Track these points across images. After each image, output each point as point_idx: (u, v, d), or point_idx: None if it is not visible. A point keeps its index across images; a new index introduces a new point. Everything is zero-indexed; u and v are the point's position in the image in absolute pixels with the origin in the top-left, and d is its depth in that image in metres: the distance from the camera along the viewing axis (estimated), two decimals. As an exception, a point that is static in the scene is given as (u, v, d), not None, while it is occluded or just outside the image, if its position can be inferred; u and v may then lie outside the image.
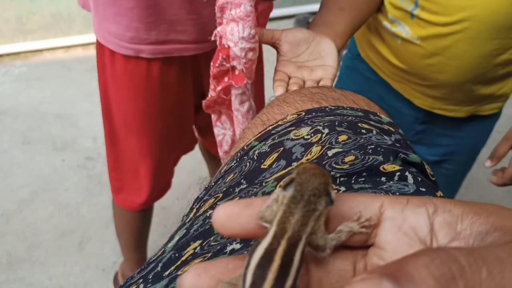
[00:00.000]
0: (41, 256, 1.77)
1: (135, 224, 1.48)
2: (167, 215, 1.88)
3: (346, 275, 0.26)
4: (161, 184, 1.35)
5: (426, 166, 0.45)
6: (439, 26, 0.93)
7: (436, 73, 0.99)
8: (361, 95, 0.53)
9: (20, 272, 1.72)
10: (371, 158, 0.40)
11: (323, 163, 0.40)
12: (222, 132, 1.01)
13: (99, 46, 1.10)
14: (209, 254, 0.37)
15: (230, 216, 0.26)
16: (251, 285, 0.23)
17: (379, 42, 1.08)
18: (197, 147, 1.62)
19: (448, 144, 1.16)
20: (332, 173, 0.39)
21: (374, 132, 0.46)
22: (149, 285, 0.38)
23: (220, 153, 1.06)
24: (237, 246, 0.36)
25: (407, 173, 0.39)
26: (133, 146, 1.21)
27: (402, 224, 0.25)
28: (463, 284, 0.18)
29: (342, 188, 0.38)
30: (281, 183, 0.26)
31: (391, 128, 0.48)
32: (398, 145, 0.45)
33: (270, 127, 0.48)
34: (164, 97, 1.14)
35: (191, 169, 2.06)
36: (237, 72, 0.81)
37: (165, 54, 1.06)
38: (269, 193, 0.40)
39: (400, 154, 0.43)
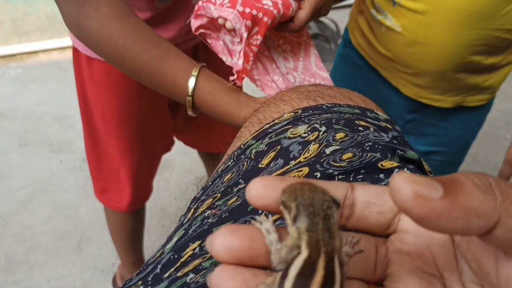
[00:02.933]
0: (39, 258, 1.77)
1: (127, 226, 1.48)
2: (165, 216, 1.88)
3: (370, 255, 0.28)
4: (144, 185, 1.36)
5: (424, 163, 0.45)
6: (419, 14, 0.95)
7: (418, 61, 1.01)
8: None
9: (18, 275, 1.71)
10: (369, 155, 0.40)
11: (321, 161, 0.40)
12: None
13: (75, 50, 1.11)
14: (209, 255, 0.37)
15: (267, 186, 0.26)
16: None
17: (367, 29, 1.10)
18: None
19: (437, 135, 1.17)
20: (330, 170, 0.39)
21: (371, 129, 0.45)
22: (149, 287, 0.38)
23: None
24: None
25: (405, 170, 0.39)
26: (113, 147, 1.22)
27: None
28: (499, 191, 0.21)
29: None
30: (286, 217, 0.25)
31: (388, 125, 0.48)
32: (395, 142, 0.45)
33: (267, 126, 0.47)
34: (142, 96, 1.14)
35: (188, 169, 2.06)
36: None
37: None
38: None
39: (398, 151, 0.43)
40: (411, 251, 0.28)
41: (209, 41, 0.81)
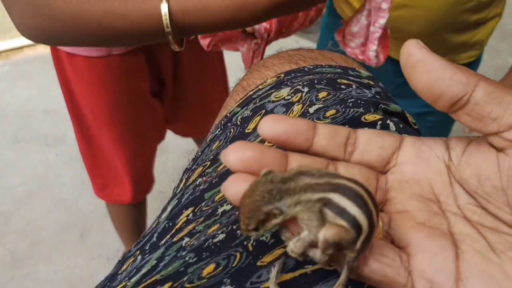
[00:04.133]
0: (44, 252, 1.78)
1: (130, 218, 1.50)
2: (165, 199, 1.87)
3: (371, 181, 0.30)
4: (143, 176, 1.36)
5: (408, 115, 0.46)
6: None
7: (406, 24, 1.01)
8: (341, 52, 0.53)
9: (24, 270, 1.73)
10: (352, 111, 0.41)
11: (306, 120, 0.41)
12: None
13: (53, 49, 1.09)
14: (202, 219, 0.38)
15: (280, 117, 0.29)
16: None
17: None
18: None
19: None
20: None
21: (354, 86, 0.46)
22: (146, 255, 0.39)
23: None
24: (227, 207, 0.37)
25: (388, 121, 0.40)
26: (107, 140, 1.21)
27: (421, 146, 0.30)
28: None
29: None
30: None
31: (370, 81, 0.49)
32: (378, 97, 0.46)
33: (251, 92, 0.48)
34: (127, 85, 1.13)
35: (184, 151, 2.07)
36: None
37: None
38: None
39: (381, 104, 0.43)
40: (409, 179, 0.30)
41: (223, 48, 0.81)
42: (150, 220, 1.80)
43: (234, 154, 0.28)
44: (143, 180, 1.37)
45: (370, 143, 0.30)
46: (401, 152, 0.30)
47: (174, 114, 1.32)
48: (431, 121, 1.23)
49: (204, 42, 0.78)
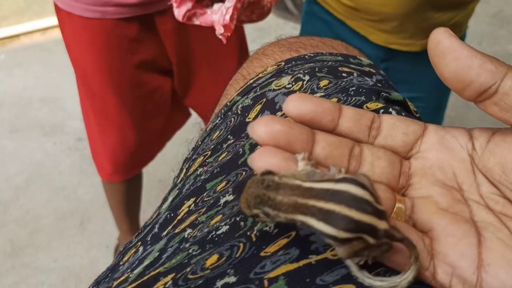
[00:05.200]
0: (43, 240, 1.79)
1: (122, 197, 1.52)
2: (164, 188, 1.89)
3: (395, 164, 0.30)
4: (138, 150, 1.37)
5: (409, 103, 0.46)
6: None
7: (381, 5, 1.01)
8: (323, 37, 0.53)
9: (25, 258, 1.74)
10: (353, 99, 0.41)
11: None
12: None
13: (56, 8, 1.13)
14: (204, 209, 0.37)
15: (306, 95, 0.30)
16: None
17: None
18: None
19: (412, 81, 1.18)
20: None
21: (355, 74, 0.46)
22: (148, 246, 0.38)
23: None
24: (230, 197, 0.37)
25: (390, 109, 0.40)
26: (111, 102, 1.23)
27: (444, 134, 0.30)
28: None
29: None
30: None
31: (371, 69, 0.48)
32: (379, 85, 0.46)
33: (251, 81, 0.47)
34: (121, 53, 1.15)
35: (183, 140, 2.06)
36: None
37: (125, 14, 1.09)
38: (256, 144, 0.40)
39: (382, 93, 0.43)
40: (433, 166, 0.30)
41: (197, 22, 0.80)
42: (148, 207, 1.81)
43: (263, 127, 0.28)
44: (137, 156, 1.39)
45: (394, 129, 0.31)
46: (424, 139, 0.31)
47: (184, 90, 1.32)
48: (419, 107, 1.23)
49: (180, 12, 0.78)
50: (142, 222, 1.62)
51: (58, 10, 1.13)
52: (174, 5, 0.78)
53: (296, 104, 0.29)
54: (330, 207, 0.25)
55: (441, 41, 0.27)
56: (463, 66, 0.27)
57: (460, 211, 0.28)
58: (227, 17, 0.74)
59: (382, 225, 0.26)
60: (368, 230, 0.25)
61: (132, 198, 1.56)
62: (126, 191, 1.50)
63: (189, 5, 0.78)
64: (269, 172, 0.27)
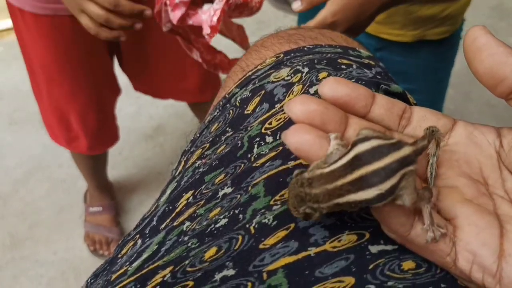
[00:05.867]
0: (43, 233, 1.79)
1: (89, 162, 1.60)
2: (163, 180, 1.89)
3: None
4: (100, 131, 1.43)
5: (409, 96, 0.45)
6: None
7: None
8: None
9: (24, 251, 1.74)
10: None
11: None
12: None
13: (9, 5, 1.16)
14: (202, 202, 0.37)
15: (342, 79, 0.30)
16: None
17: None
18: (187, 109, 1.61)
19: (405, 72, 1.18)
20: None
21: (354, 66, 0.45)
22: (146, 239, 0.38)
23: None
24: (228, 190, 0.36)
25: None
26: (58, 94, 1.28)
27: (473, 130, 0.31)
28: None
29: None
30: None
31: (371, 61, 0.48)
32: (379, 77, 0.45)
33: (250, 73, 0.47)
34: (77, 42, 1.18)
35: (181, 133, 2.06)
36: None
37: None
38: (254, 136, 0.40)
39: (382, 85, 0.43)
40: (460, 159, 0.31)
41: (190, 22, 0.81)
42: (148, 200, 1.81)
43: (300, 106, 0.29)
44: (100, 135, 1.44)
45: (424, 120, 0.31)
46: (453, 133, 0.31)
47: (138, 67, 1.37)
48: (415, 99, 1.23)
49: (175, 16, 0.79)
50: (140, 216, 1.62)
51: (11, 8, 1.16)
52: (169, 9, 0.80)
53: (332, 87, 0.30)
54: (357, 175, 0.26)
55: (477, 38, 0.28)
56: (498, 62, 0.28)
57: (484, 204, 0.29)
58: (215, 19, 0.76)
59: (407, 150, 0.27)
60: (402, 164, 0.26)
61: (99, 162, 1.64)
62: (92, 160, 1.59)
63: (183, 9, 0.79)
64: (301, 172, 0.28)
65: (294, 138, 0.28)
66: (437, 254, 0.28)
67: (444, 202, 0.29)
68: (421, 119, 0.31)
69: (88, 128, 1.38)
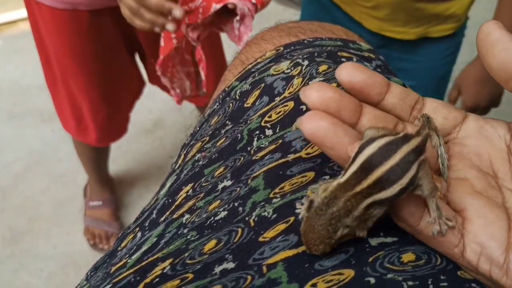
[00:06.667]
0: (43, 227, 1.79)
1: (92, 154, 1.61)
2: (163, 174, 1.89)
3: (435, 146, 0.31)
4: (110, 125, 1.44)
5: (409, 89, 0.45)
6: None
7: None
8: (322, 21, 0.53)
9: (24, 245, 1.74)
10: None
11: None
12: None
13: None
14: (202, 194, 0.37)
15: (359, 66, 0.31)
16: None
17: None
18: (186, 102, 1.61)
19: (406, 69, 1.18)
20: None
21: (354, 59, 0.45)
22: (146, 232, 0.38)
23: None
24: (228, 183, 0.36)
25: None
26: (72, 86, 1.28)
27: (484, 124, 0.31)
28: None
29: None
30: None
31: (371, 55, 0.48)
32: (379, 70, 0.45)
33: (250, 66, 0.47)
34: (93, 40, 1.19)
35: (181, 127, 2.06)
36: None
37: (96, 6, 1.12)
38: (254, 129, 0.40)
39: None
40: (470, 152, 0.31)
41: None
42: (147, 194, 1.81)
43: (316, 92, 0.29)
44: (110, 129, 1.45)
45: (435, 112, 0.32)
46: (463, 126, 0.32)
47: (152, 68, 1.38)
48: None
49: (193, 35, 0.84)
50: (139, 210, 1.62)
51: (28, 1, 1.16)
52: (188, 29, 0.86)
53: (349, 72, 0.30)
54: (375, 177, 0.26)
55: (491, 33, 0.29)
56: (511, 57, 0.28)
57: (494, 196, 0.29)
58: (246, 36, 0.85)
59: (417, 140, 0.28)
60: (417, 154, 0.27)
61: (102, 154, 1.65)
62: (95, 152, 1.60)
63: (201, 28, 0.86)
64: (311, 202, 0.27)
65: (309, 124, 0.28)
66: (445, 245, 0.28)
67: (454, 193, 0.30)
68: (432, 110, 0.32)
69: (99, 122, 1.38)
